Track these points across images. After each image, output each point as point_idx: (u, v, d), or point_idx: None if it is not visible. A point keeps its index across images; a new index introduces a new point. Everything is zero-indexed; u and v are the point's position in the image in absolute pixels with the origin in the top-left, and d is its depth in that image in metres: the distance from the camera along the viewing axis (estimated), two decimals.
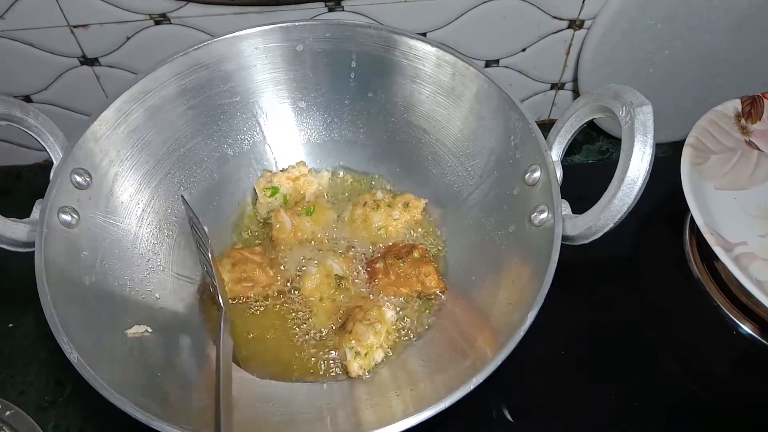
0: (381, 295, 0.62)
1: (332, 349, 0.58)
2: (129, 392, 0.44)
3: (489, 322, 0.52)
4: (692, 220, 0.64)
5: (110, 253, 0.55)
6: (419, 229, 0.67)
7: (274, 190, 0.67)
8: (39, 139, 0.52)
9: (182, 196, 0.56)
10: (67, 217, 0.51)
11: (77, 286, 0.50)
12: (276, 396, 0.53)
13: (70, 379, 0.63)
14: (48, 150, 0.53)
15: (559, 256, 0.48)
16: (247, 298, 0.61)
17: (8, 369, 0.64)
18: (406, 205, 0.66)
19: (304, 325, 0.60)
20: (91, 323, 0.49)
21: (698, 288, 0.67)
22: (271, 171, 0.69)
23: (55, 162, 0.53)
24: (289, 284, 0.63)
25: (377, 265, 0.62)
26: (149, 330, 0.53)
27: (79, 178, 0.53)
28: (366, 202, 0.66)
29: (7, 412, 0.59)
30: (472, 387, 0.43)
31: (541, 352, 0.64)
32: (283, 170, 0.69)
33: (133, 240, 0.58)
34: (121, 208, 0.57)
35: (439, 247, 0.65)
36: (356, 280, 0.63)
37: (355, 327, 0.56)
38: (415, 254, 0.61)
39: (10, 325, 0.67)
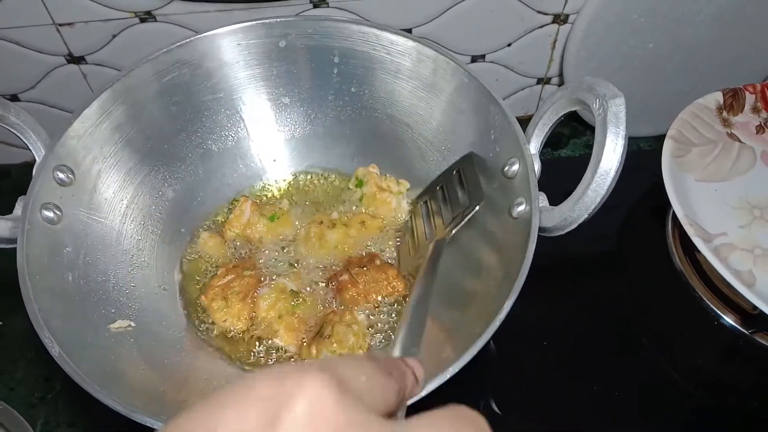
0: (351, 308, 0.61)
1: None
2: (111, 386, 0.45)
3: (468, 313, 0.52)
4: (675, 213, 0.64)
5: (93, 249, 0.55)
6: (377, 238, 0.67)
7: (360, 182, 0.68)
8: (21, 137, 0.53)
9: None
10: (49, 214, 0.52)
11: (60, 281, 0.51)
12: None
13: (59, 376, 0.63)
14: (30, 147, 0.53)
15: (544, 250, 0.49)
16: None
17: None
18: (363, 223, 0.66)
19: (269, 343, 0.60)
20: (73, 318, 0.50)
21: (680, 280, 0.67)
22: (376, 167, 0.69)
23: (37, 159, 0.53)
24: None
25: (342, 278, 0.62)
26: (132, 325, 0.54)
27: (61, 175, 0.53)
28: (322, 221, 0.66)
29: None
30: (447, 377, 0.44)
31: (526, 344, 0.64)
32: (385, 175, 0.69)
33: (116, 236, 0.59)
34: (104, 205, 0.58)
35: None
36: (313, 293, 0.63)
37: (335, 329, 0.56)
38: (377, 261, 0.62)
39: (0, 322, 0.67)
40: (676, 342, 0.65)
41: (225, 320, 0.59)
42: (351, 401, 0.22)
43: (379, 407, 0.25)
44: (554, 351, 0.64)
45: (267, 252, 0.65)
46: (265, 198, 0.71)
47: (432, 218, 0.61)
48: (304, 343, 0.59)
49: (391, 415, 0.27)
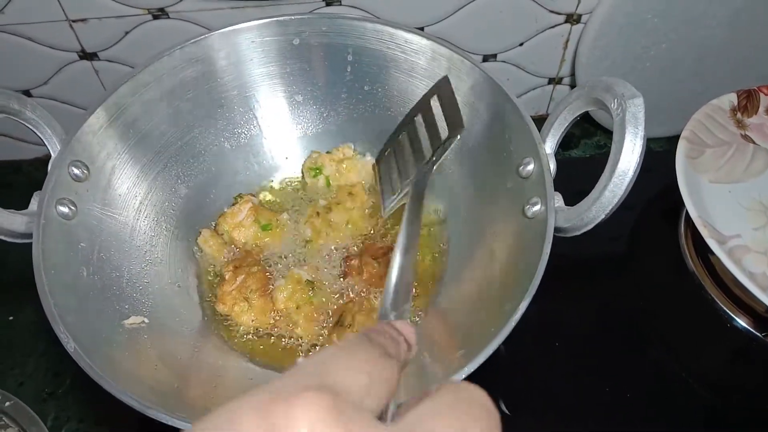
0: (369, 296, 0.61)
1: None
2: (125, 381, 0.45)
3: (481, 314, 0.52)
4: (688, 214, 0.64)
5: (108, 244, 0.55)
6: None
7: (317, 171, 0.67)
8: (37, 132, 0.53)
9: None
10: (64, 209, 0.52)
11: (74, 276, 0.51)
12: None
13: (69, 371, 0.64)
14: (46, 142, 0.53)
15: (556, 250, 0.48)
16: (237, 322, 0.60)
17: (8, 361, 0.65)
18: (350, 194, 0.66)
19: (291, 338, 0.60)
20: (88, 314, 0.49)
21: (693, 281, 0.67)
22: (318, 152, 0.69)
23: (52, 154, 0.53)
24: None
25: (352, 262, 0.62)
26: (146, 321, 0.54)
27: (76, 171, 0.53)
28: (318, 212, 0.66)
29: (7, 403, 0.60)
30: (463, 377, 0.44)
31: (537, 345, 0.64)
32: (328, 152, 0.69)
33: (130, 232, 0.59)
34: (118, 201, 0.58)
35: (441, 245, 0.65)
36: (330, 280, 0.63)
37: (356, 318, 0.56)
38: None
39: (10, 317, 0.67)
40: (687, 344, 0.65)
41: (253, 320, 0.59)
42: (350, 416, 0.20)
43: (383, 402, 0.23)
44: (565, 352, 0.64)
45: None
46: (269, 200, 0.70)
47: (403, 159, 0.57)
48: (324, 333, 0.59)
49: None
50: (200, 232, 0.65)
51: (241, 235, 0.65)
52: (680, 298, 0.68)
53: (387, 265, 0.59)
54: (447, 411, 0.22)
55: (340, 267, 0.63)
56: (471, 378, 0.44)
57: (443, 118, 0.53)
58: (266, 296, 0.60)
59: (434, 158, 0.53)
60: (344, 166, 0.68)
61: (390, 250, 0.62)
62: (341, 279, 0.63)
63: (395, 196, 0.57)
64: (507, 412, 0.60)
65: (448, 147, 0.52)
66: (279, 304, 0.59)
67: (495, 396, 0.61)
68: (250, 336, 0.60)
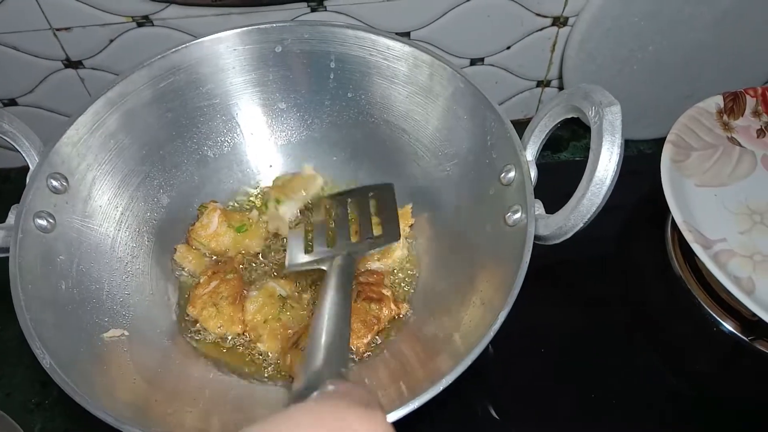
0: None
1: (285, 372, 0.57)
2: (102, 396, 0.45)
3: (462, 323, 0.52)
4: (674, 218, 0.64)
5: (87, 257, 0.55)
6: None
7: (277, 201, 0.66)
8: (14, 144, 0.53)
9: None
10: (42, 222, 0.51)
11: (53, 290, 0.51)
12: (236, 395, 0.54)
13: (55, 383, 0.64)
14: (24, 155, 0.53)
15: (541, 255, 0.48)
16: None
17: None
18: (383, 253, 0.64)
19: (255, 349, 0.59)
20: (66, 327, 0.49)
21: (680, 286, 0.67)
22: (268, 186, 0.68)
23: (31, 167, 0.53)
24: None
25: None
26: (126, 333, 0.54)
27: (55, 183, 0.53)
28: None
29: None
30: (441, 388, 0.43)
31: (524, 349, 0.64)
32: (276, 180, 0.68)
33: (111, 244, 0.58)
34: (98, 212, 0.58)
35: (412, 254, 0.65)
36: (301, 300, 0.62)
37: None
38: (372, 307, 0.58)
39: None
40: (675, 348, 0.65)
41: (220, 326, 0.59)
42: None
43: None
44: (552, 356, 0.64)
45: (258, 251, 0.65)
46: (237, 205, 0.69)
47: (342, 225, 0.55)
48: (281, 350, 0.58)
49: None
50: (176, 249, 0.64)
51: (219, 244, 0.64)
52: (667, 303, 0.67)
53: (366, 311, 0.58)
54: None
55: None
56: (457, 382, 0.44)
57: (381, 221, 0.54)
58: (236, 305, 0.59)
59: (368, 248, 0.53)
60: (286, 188, 0.67)
61: (381, 300, 0.59)
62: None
63: (311, 258, 0.53)
64: (496, 416, 0.60)
65: (380, 248, 0.53)
66: (248, 315, 0.59)
67: (483, 400, 0.61)
68: (219, 345, 0.59)
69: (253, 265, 0.65)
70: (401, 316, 0.60)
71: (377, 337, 0.59)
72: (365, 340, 0.56)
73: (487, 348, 0.45)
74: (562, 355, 0.64)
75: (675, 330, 0.66)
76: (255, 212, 0.67)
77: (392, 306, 0.58)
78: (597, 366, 0.63)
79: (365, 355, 0.58)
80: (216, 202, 0.66)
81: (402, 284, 0.64)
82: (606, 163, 0.45)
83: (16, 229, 0.49)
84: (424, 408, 0.43)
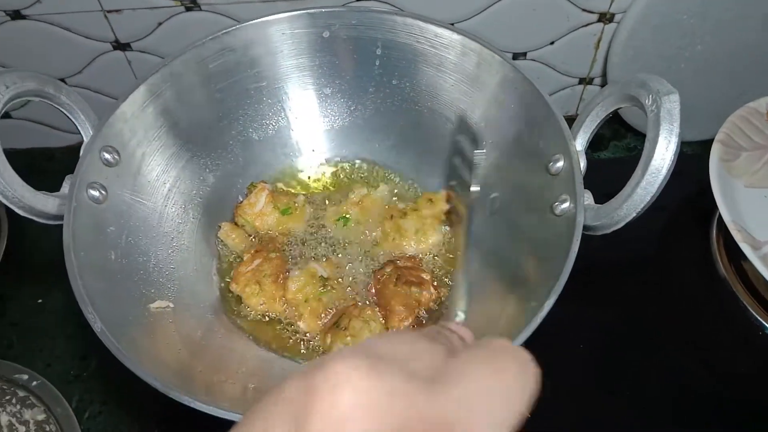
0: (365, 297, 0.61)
1: (324, 351, 0.57)
2: (149, 363, 0.45)
3: (504, 313, 0.52)
4: (720, 219, 0.62)
5: (136, 229, 0.56)
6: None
7: (346, 220, 0.66)
8: (70, 117, 0.54)
9: None
10: (95, 193, 0.52)
11: (103, 259, 0.52)
12: (276, 370, 0.54)
13: (95, 355, 0.65)
14: (79, 127, 0.54)
15: (583, 252, 0.47)
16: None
17: (36, 342, 0.66)
18: (429, 200, 0.65)
19: (292, 327, 0.60)
20: (115, 296, 0.50)
21: (724, 288, 0.66)
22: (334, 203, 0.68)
23: (85, 139, 0.54)
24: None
25: (387, 267, 0.61)
26: (171, 306, 0.54)
27: (107, 156, 0.54)
28: (392, 215, 0.65)
29: (34, 383, 0.61)
30: None
31: (560, 346, 0.63)
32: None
33: (158, 218, 0.59)
34: (147, 187, 0.59)
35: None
36: (348, 281, 0.63)
37: (351, 323, 0.56)
38: (413, 290, 0.59)
39: (40, 300, 0.69)
40: (717, 352, 0.63)
41: (262, 303, 0.59)
42: (386, 369, 0.21)
43: (429, 370, 0.23)
44: (588, 355, 0.63)
45: (300, 236, 0.66)
46: (285, 187, 0.70)
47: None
48: (321, 328, 0.59)
49: None
50: (220, 226, 0.65)
51: (264, 223, 0.65)
52: (711, 305, 0.66)
53: (407, 294, 0.58)
54: (483, 359, 0.23)
55: (367, 270, 0.63)
56: None
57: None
58: (278, 283, 0.60)
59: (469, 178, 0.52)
60: (364, 204, 0.67)
61: (423, 282, 0.60)
62: (360, 283, 0.62)
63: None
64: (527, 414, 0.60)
65: (477, 162, 0.51)
66: (289, 293, 0.60)
67: None
68: (260, 322, 0.60)
69: (295, 246, 0.66)
70: (442, 299, 0.60)
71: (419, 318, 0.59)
72: (406, 323, 0.56)
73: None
74: (598, 353, 0.63)
75: (718, 332, 0.64)
76: (301, 197, 0.68)
77: (432, 290, 0.58)
78: (635, 367, 0.62)
79: None
80: (266, 182, 0.67)
81: (440, 270, 0.64)
82: (663, 152, 0.44)
83: (70, 198, 0.50)
84: None
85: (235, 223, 0.66)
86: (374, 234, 0.66)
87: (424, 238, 0.64)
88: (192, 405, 0.42)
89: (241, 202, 0.66)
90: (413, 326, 0.58)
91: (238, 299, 0.61)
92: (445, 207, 0.65)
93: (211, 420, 0.42)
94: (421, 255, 0.64)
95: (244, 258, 0.62)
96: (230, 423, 0.42)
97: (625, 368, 0.62)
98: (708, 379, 0.61)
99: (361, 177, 0.71)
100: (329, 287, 0.61)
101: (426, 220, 0.64)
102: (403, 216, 0.65)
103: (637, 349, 0.63)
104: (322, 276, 0.61)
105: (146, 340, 0.49)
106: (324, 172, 0.72)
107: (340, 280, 0.63)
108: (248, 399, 0.48)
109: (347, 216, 0.66)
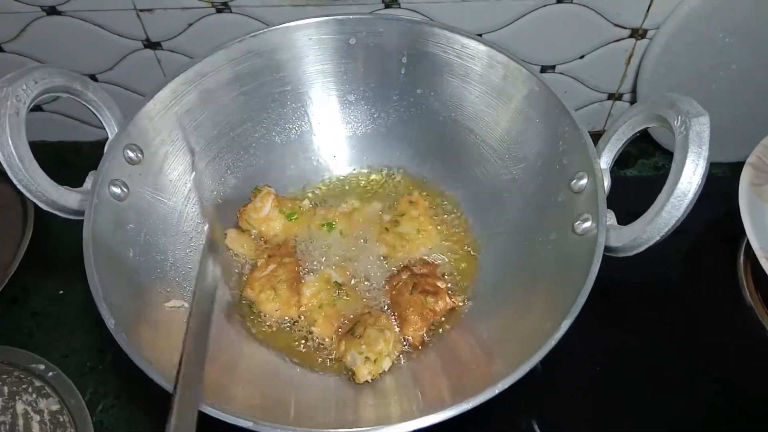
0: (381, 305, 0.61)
1: (336, 358, 0.58)
2: (159, 362, 0.45)
3: (519, 329, 0.51)
4: (748, 244, 0.60)
5: (155, 228, 0.57)
6: (453, 237, 0.66)
7: (330, 226, 0.66)
8: (96, 113, 0.55)
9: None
10: (117, 190, 0.53)
11: (121, 256, 0.52)
12: (286, 377, 0.54)
13: (111, 349, 0.65)
14: (104, 124, 0.55)
15: (603, 272, 0.46)
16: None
17: (55, 333, 0.67)
18: (410, 202, 0.66)
19: (305, 334, 0.60)
20: (131, 293, 0.51)
21: (751, 316, 0.64)
22: (324, 208, 0.68)
23: (110, 136, 0.55)
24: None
25: (402, 275, 0.61)
26: (185, 305, 0.55)
27: (131, 154, 0.55)
28: (386, 228, 0.66)
29: (50, 373, 0.62)
30: (496, 392, 0.42)
31: (577, 369, 0.62)
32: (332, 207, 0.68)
33: (178, 218, 0.60)
34: (169, 186, 0.59)
35: (471, 252, 0.65)
36: (364, 288, 0.62)
37: (367, 331, 0.55)
38: (428, 299, 0.58)
39: (61, 291, 0.70)
40: (741, 383, 0.61)
41: (276, 309, 0.59)
42: None
43: None
44: (606, 379, 0.61)
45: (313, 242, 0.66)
46: (302, 192, 0.70)
47: None
48: (337, 334, 0.58)
49: None
50: (226, 234, 0.65)
51: (270, 229, 0.65)
52: (735, 333, 0.64)
53: (422, 303, 0.58)
54: None
55: (382, 277, 0.63)
56: (504, 395, 0.43)
57: None
58: (293, 289, 0.60)
59: None
60: (354, 216, 0.67)
61: (437, 293, 0.59)
62: (373, 289, 0.62)
63: None
64: None
65: None
66: (304, 299, 0.60)
67: (528, 415, 0.59)
68: (273, 328, 0.60)
69: (306, 251, 0.66)
70: (458, 306, 0.60)
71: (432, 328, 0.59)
72: (421, 333, 0.56)
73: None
74: (616, 378, 0.61)
75: (743, 363, 0.62)
76: (307, 201, 0.68)
77: (448, 299, 0.58)
78: (654, 393, 0.60)
79: (419, 347, 0.58)
80: (270, 186, 0.67)
81: (457, 276, 0.64)
82: (690, 176, 0.43)
83: (92, 194, 0.51)
84: (468, 416, 0.42)
85: (240, 228, 0.66)
86: (377, 248, 0.66)
87: (426, 234, 0.64)
88: (200, 408, 0.42)
89: (246, 206, 0.66)
90: (424, 336, 0.57)
91: (250, 305, 0.61)
92: (425, 202, 0.66)
93: (220, 422, 0.42)
94: (434, 255, 0.64)
95: (258, 263, 0.62)
96: (238, 427, 0.42)
97: (642, 396, 0.60)
98: (731, 410, 0.59)
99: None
100: (344, 293, 0.61)
101: (419, 218, 0.65)
102: (397, 224, 0.65)
103: (656, 376, 0.61)
104: (336, 282, 0.60)
105: (159, 338, 0.49)
106: (344, 178, 0.72)
107: (354, 286, 0.62)
108: (256, 405, 0.48)
109: (333, 223, 0.66)
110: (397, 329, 0.58)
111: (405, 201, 0.67)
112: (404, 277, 0.61)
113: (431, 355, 0.56)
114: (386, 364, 0.55)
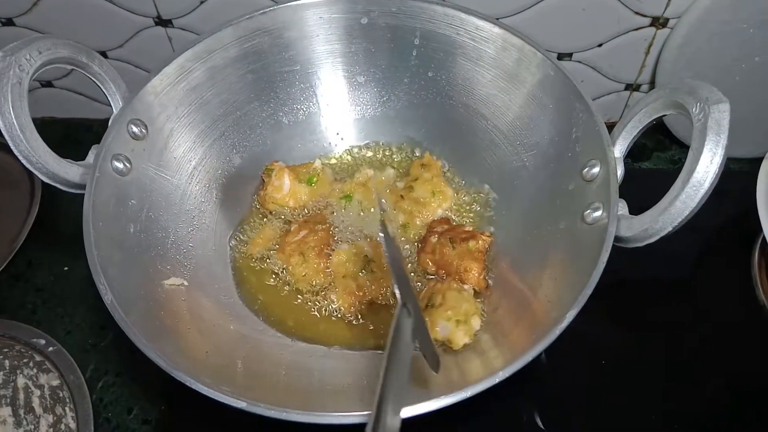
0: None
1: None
2: (158, 341, 0.45)
3: (525, 317, 0.50)
4: (763, 243, 0.59)
5: (157, 205, 0.56)
6: (476, 207, 0.65)
7: (349, 198, 0.66)
8: (101, 87, 0.54)
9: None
10: (119, 165, 0.53)
11: (122, 232, 0.52)
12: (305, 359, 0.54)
13: (114, 326, 0.64)
14: (109, 98, 0.55)
15: (613, 268, 0.45)
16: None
17: (59, 309, 0.67)
18: (422, 165, 0.65)
19: (322, 295, 0.60)
20: (130, 269, 0.50)
21: (763, 315, 0.62)
22: (340, 182, 0.68)
23: (114, 111, 0.54)
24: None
25: (431, 239, 0.61)
26: (186, 284, 0.54)
27: (135, 129, 0.54)
28: (401, 195, 0.65)
29: (50, 348, 0.62)
30: (496, 380, 0.41)
31: (581, 362, 0.61)
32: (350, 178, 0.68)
33: (181, 195, 0.59)
34: (173, 163, 0.59)
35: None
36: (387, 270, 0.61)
37: (446, 296, 0.55)
38: (470, 244, 0.58)
39: (65, 268, 0.70)
40: (752, 383, 0.60)
41: (305, 274, 0.60)
42: None
43: None
44: (611, 373, 0.60)
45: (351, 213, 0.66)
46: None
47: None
48: (354, 306, 0.59)
49: None
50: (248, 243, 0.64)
51: (297, 200, 0.65)
52: (748, 332, 0.62)
53: (460, 253, 0.58)
54: None
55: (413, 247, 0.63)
56: (506, 384, 0.42)
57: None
58: (322, 257, 0.60)
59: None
60: (369, 186, 0.67)
61: (472, 236, 0.59)
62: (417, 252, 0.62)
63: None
64: (541, 426, 0.57)
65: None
66: (331, 264, 0.60)
67: (530, 407, 0.58)
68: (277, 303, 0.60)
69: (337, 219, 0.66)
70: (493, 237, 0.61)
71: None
72: (482, 276, 0.58)
73: (540, 354, 0.43)
74: (621, 373, 0.60)
75: (754, 363, 0.61)
76: (318, 162, 0.67)
77: (484, 236, 0.59)
78: (660, 390, 0.59)
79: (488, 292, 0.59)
80: (278, 161, 0.66)
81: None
82: (707, 165, 0.42)
83: (94, 168, 0.50)
84: (469, 405, 0.41)
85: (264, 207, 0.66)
86: (396, 218, 0.65)
87: (443, 196, 0.64)
88: (194, 387, 0.41)
89: (263, 189, 0.65)
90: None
91: (257, 279, 0.61)
92: (439, 163, 0.66)
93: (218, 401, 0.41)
94: (450, 214, 0.64)
95: (291, 228, 0.62)
96: (235, 408, 0.41)
97: (648, 392, 0.59)
98: (742, 412, 0.58)
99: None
100: (370, 269, 0.61)
101: (433, 180, 0.64)
102: (411, 189, 0.64)
103: (662, 373, 0.60)
104: (366, 255, 0.61)
105: (157, 316, 0.49)
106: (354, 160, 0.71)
107: (383, 265, 0.61)
108: (254, 385, 0.48)
109: (350, 195, 0.66)
110: (465, 286, 0.58)
111: (417, 165, 0.66)
112: (434, 240, 0.60)
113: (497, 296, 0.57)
114: (476, 322, 0.54)
